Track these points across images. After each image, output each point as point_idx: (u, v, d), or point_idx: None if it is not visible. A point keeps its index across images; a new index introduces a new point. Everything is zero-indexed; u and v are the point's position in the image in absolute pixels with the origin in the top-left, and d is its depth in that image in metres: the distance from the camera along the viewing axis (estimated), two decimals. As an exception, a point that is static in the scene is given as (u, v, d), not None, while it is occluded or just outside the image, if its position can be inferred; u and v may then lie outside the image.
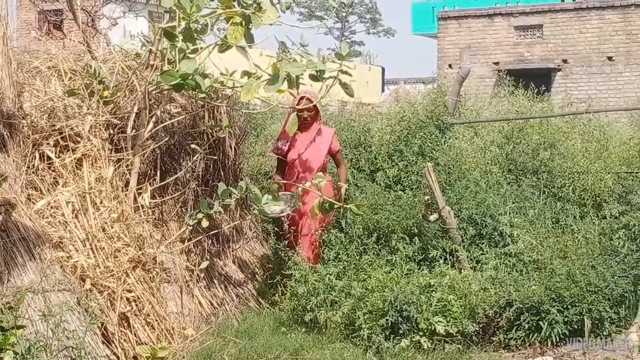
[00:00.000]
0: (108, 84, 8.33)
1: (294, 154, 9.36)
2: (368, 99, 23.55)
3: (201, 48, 8.05)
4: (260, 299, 9.05)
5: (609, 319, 7.92)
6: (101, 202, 7.88)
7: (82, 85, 8.29)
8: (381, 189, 9.82)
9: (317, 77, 8.13)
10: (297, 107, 9.12)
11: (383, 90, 38.73)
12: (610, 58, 30.12)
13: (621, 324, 8.04)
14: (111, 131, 8.31)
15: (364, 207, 9.03)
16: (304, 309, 8.23)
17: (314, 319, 8.14)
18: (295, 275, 8.45)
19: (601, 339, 7.83)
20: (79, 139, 8.05)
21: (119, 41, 9.76)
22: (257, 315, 8.55)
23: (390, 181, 10.24)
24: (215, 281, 8.73)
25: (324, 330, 8.04)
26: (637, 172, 10.57)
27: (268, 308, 8.86)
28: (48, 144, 7.97)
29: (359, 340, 7.76)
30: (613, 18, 30.29)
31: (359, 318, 7.82)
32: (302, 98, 9.20)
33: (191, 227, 8.45)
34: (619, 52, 30.09)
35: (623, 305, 8.13)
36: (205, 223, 8.36)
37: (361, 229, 8.94)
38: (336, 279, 8.32)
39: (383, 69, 40.66)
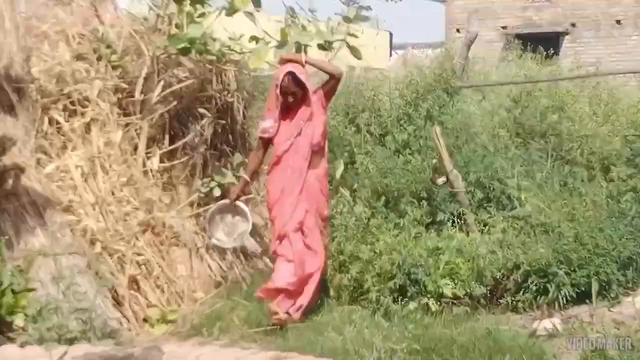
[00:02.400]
0: (116, 49, 8.33)
1: (282, 144, 7.73)
2: (376, 64, 23.46)
3: (209, 12, 8.03)
4: (270, 262, 9.07)
5: (616, 281, 7.93)
6: (110, 166, 7.92)
7: (90, 50, 8.29)
8: (390, 153, 9.80)
9: (325, 47, 8.12)
10: (280, 84, 7.56)
11: (391, 55, 38.54)
12: (618, 22, 29.96)
13: (629, 286, 8.05)
14: (119, 95, 8.32)
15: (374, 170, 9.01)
16: (314, 272, 8.26)
17: (323, 282, 8.17)
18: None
19: (608, 301, 7.84)
20: (87, 104, 8.07)
21: (127, 6, 9.72)
22: (266, 279, 8.57)
23: (399, 145, 10.23)
24: (225, 245, 8.74)
25: (332, 292, 8.08)
26: (645, 135, 10.55)
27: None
28: (57, 108, 7.99)
29: (367, 302, 7.79)
30: (622, -19, 30.08)
31: (368, 281, 7.84)
32: (287, 75, 7.53)
33: (202, 194, 8.47)
34: (628, 16, 29.92)
35: (630, 268, 8.13)
36: (217, 192, 8.38)
37: (370, 192, 8.95)
38: (345, 242, 8.34)
39: (391, 34, 40.43)
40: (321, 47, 7.96)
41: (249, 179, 7.96)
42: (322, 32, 7.88)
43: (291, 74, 7.43)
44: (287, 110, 7.69)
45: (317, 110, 7.68)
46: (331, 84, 7.79)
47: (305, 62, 7.56)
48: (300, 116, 7.64)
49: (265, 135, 7.72)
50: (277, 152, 7.72)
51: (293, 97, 7.54)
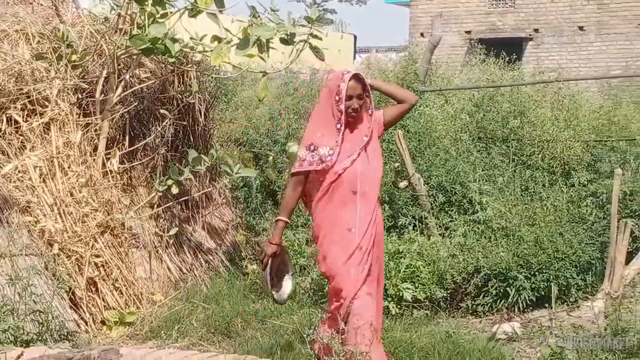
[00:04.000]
0: (76, 48, 8.25)
1: (340, 163, 5.78)
2: (340, 67, 23.47)
3: (171, 12, 7.98)
4: (229, 265, 9.04)
5: (575, 285, 7.99)
6: (69, 167, 7.84)
7: (50, 49, 8.20)
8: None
9: (287, 40, 8.07)
10: (345, 89, 5.72)
11: (355, 59, 38.59)
12: (581, 28, 30.15)
13: (588, 290, 8.12)
14: (79, 95, 8.25)
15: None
16: (274, 274, 8.22)
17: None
18: (263, 242, 8.44)
19: (567, 305, 7.90)
20: (46, 103, 7.99)
21: (88, 5, 9.63)
22: (226, 281, 8.54)
23: (360, 148, 10.20)
24: (185, 247, 8.71)
25: (293, 296, 8.04)
26: (605, 141, 10.64)
27: (237, 274, 8.86)
28: (15, 107, 7.91)
29: (328, 305, 7.77)
30: (585, -12, 30.31)
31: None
32: (353, 77, 5.77)
33: (160, 193, 8.41)
34: (590, 22, 30.13)
35: (590, 272, 8.20)
36: (175, 190, 8.33)
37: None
38: (305, 245, 8.32)
39: (355, 37, 40.51)
40: (284, 41, 7.91)
41: (287, 220, 5.95)
42: (284, 25, 7.83)
43: (357, 76, 5.78)
44: (348, 125, 5.82)
45: (376, 136, 5.97)
46: (402, 109, 6.11)
47: (370, 85, 5.89)
48: (362, 131, 5.85)
49: (321, 167, 5.73)
50: (333, 174, 5.76)
51: (358, 101, 5.73)
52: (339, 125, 5.73)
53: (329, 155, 5.72)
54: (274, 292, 6.07)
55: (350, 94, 5.70)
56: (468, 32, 31.13)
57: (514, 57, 17.15)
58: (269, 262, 5.89)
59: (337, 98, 5.70)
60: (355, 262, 5.68)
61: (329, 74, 6.09)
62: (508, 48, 18.63)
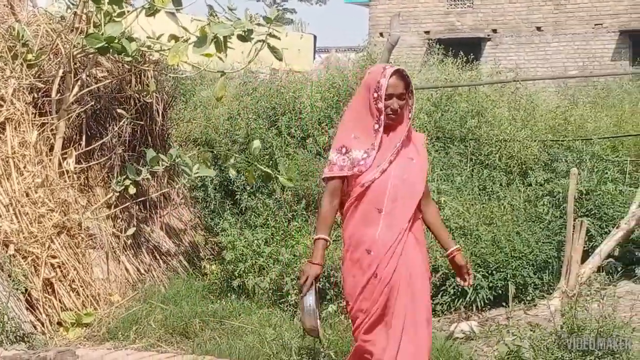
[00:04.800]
0: (32, 47, 8.18)
1: (371, 171, 4.99)
2: (299, 67, 23.47)
3: (128, 11, 7.93)
4: (188, 266, 9.01)
5: (532, 284, 8.06)
6: (25, 167, 7.76)
7: (5, 48, 8.12)
8: (312, 156, 9.79)
9: (245, 37, 8.03)
10: (385, 85, 4.99)
11: (315, 59, 38.61)
12: (539, 28, 30.40)
13: (544, 289, 8.18)
14: (35, 95, 8.17)
15: (294, 173, 8.96)
16: (232, 275, 8.22)
17: (242, 285, 8.13)
18: (223, 242, 8.42)
19: (525, 304, 7.97)
20: (1, 103, 7.91)
21: (45, 4, 9.55)
22: (185, 282, 8.51)
23: (320, 148, 10.23)
24: (143, 248, 8.66)
25: (252, 296, 8.04)
26: (562, 140, 10.73)
27: (196, 274, 8.83)
28: (-30, 107, 7.82)
29: (287, 305, 7.77)
30: (542, -12, 30.57)
31: (287, 284, 7.82)
32: (395, 73, 5.03)
33: (118, 194, 8.35)
34: (548, 22, 30.38)
35: (546, 271, 8.27)
36: (132, 190, 8.28)
37: (290, 195, 8.93)
38: (264, 245, 8.30)
39: (315, 37, 40.53)
40: (241, 38, 7.87)
41: (327, 238, 5.07)
42: (241, 21, 7.78)
43: (400, 72, 5.04)
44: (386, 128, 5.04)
45: (419, 146, 5.19)
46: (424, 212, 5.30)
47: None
48: (398, 134, 5.06)
49: (352, 172, 4.97)
50: (359, 187, 4.98)
51: (399, 102, 4.98)
52: (376, 126, 4.98)
53: (362, 160, 4.95)
54: (318, 325, 5.00)
55: (391, 92, 4.96)
56: (427, 32, 31.28)
57: (472, 57, 17.27)
58: (312, 285, 4.95)
59: (375, 95, 4.98)
60: (369, 294, 4.91)
61: (369, 68, 5.39)
62: (466, 48, 18.78)
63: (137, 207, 8.75)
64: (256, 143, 8.54)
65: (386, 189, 4.93)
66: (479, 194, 9.42)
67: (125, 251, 8.33)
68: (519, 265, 7.93)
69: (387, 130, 5.01)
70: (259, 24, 7.81)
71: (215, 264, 8.70)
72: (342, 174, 5.01)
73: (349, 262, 5.02)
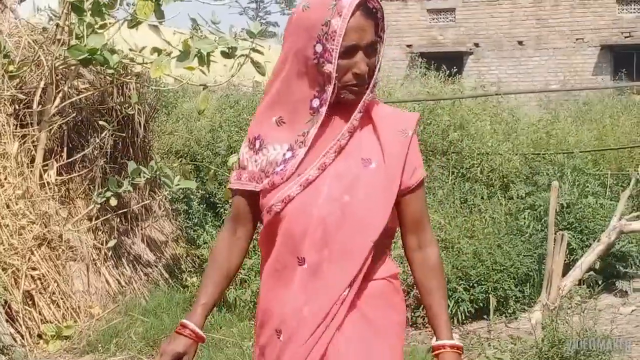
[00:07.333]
0: (14, 59, 8.15)
1: (282, 190, 2.76)
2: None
3: (110, 23, 7.92)
4: (169, 278, 8.98)
5: (513, 297, 8.06)
6: (5, 179, 7.72)
7: (-14, 59, 8.09)
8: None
9: (229, 54, 8.04)
10: (342, 28, 2.63)
11: (297, 71, 38.73)
12: (520, 42, 30.58)
13: (525, 302, 8.19)
14: (16, 106, 8.13)
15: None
16: (213, 287, 8.18)
17: (223, 298, 8.11)
18: (204, 254, 8.40)
19: (506, 316, 7.97)
20: (-18, 114, 7.87)
21: (27, 16, 9.53)
22: (166, 294, 8.48)
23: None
24: (124, 260, 8.62)
25: (233, 309, 8.01)
26: (543, 154, 10.77)
27: (177, 287, 8.80)
28: (-50, 118, 7.78)
29: (268, 318, 7.74)
30: (524, 3, 30.76)
31: (268, 296, 7.79)
32: (358, 7, 2.63)
33: (99, 206, 8.32)
34: (530, 37, 30.57)
35: (528, 284, 8.28)
36: (113, 202, 8.25)
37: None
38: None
39: (298, 50, 40.68)
40: (225, 54, 7.87)
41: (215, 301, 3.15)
42: (225, 38, 7.79)
43: (367, 3, 2.69)
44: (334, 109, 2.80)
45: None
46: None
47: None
48: (350, 115, 2.79)
49: (264, 185, 2.81)
50: (266, 213, 2.86)
51: (365, 75, 2.75)
52: (316, 103, 2.74)
53: (281, 163, 2.77)
54: None
55: (354, 41, 2.68)
56: (409, 46, 31.39)
57: (455, 70, 17.34)
58: None
59: (320, 48, 2.68)
60: None
61: None
62: (449, 62, 18.85)
63: (118, 219, 8.72)
64: (233, 158, 8.52)
65: (310, 220, 2.73)
66: (461, 207, 9.44)
67: (106, 263, 8.30)
68: (500, 278, 7.94)
69: (335, 110, 2.78)
70: (243, 39, 7.81)
71: (197, 276, 8.67)
72: (246, 188, 2.89)
73: (256, 351, 3.01)
